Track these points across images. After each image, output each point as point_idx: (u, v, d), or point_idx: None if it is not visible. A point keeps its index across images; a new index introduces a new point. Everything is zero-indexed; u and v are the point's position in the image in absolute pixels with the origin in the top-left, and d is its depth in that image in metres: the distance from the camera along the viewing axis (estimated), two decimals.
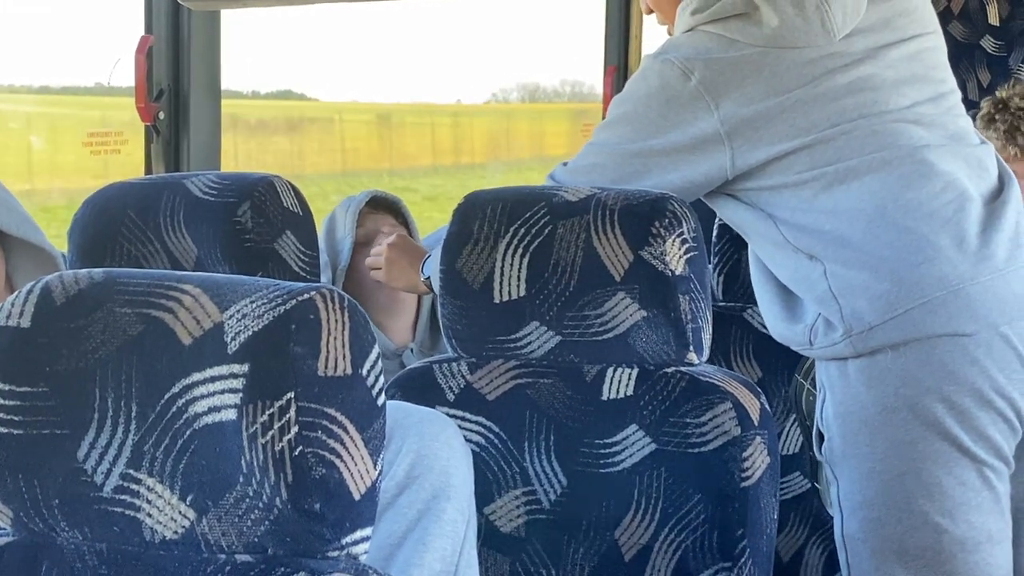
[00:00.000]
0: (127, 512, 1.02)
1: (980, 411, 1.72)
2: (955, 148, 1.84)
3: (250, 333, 0.99)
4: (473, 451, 1.62)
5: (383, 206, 2.33)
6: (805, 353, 1.87)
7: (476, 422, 1.66)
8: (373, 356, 1.03)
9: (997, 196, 1.83)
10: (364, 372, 1.02)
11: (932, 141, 1.83)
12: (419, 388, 1.67)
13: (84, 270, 1.07)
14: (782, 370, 2.31)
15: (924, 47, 1.91)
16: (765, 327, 2.38)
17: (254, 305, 1.00)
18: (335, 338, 1.00)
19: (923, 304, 1.73)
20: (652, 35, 3.34)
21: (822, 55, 1.82)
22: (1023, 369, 1.74)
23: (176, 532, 1.02)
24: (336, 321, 1.01)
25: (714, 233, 2.36)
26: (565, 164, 1.91)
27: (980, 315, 1.73)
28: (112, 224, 1.71)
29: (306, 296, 1.01)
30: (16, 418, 1.02)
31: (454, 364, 1.69)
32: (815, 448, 1.87)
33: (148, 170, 2.20)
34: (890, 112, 1.82)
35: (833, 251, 1.79)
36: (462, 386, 1.67)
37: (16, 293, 1.05)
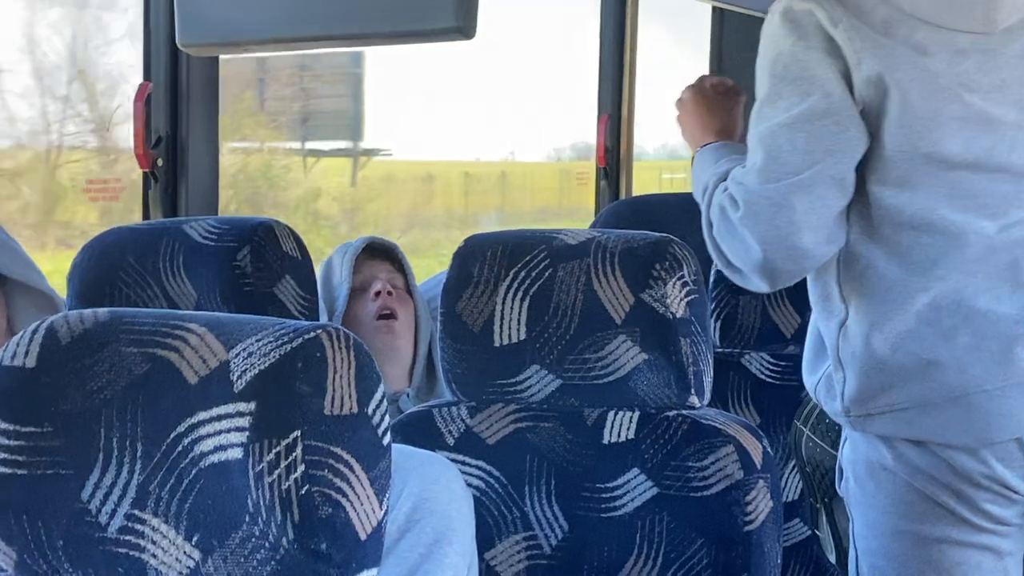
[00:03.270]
0: (132, 553, 1.01)
1: (977, 492, 1.67)
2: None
3: (256, 371, 0.99)
4: (473, 496, 1.61)
5: (379, 252, 2.34)
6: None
7: (476, 466, 1.66)
8: (379, 395, 1.03)
9: None
10: (370, 411, 1.02)
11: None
12: (419, 432, 1.67)
13: (89, 310, 1.06)
14: (780, 416, 2.31)
15: None
16: (763, 373, 2.39)
17: (260, 343, 1.00)
18: (341, 377, 1.00)
19: (922, 407, 1.65)
20: (645, 83, 3.37)
21: (968, 48, 1.64)
22: None
23: (181, 573, 1.01)
24: (342, 360, 1.00)
25: (711, 279, 2.37)
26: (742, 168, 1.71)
27: (976, 429, 1.63)
28: (111, 269, 1.71)
29: (312, 335, 1.00)
30: (21, 458, 1.01)
31: (454, 408, 1.68)
32: (836, 482, 1.85)
33: (146, 217, 2.20)
34: (985, 173, 1.64)
35: (856, 306, 1.70)
36: (462, 430, 1.67)
37: (21, 333, 1.05)
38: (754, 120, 1.70)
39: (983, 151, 1.66)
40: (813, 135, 1.64)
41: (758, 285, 1.73)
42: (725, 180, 1.74)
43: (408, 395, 2.28)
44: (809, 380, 1.81)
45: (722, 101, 1.96)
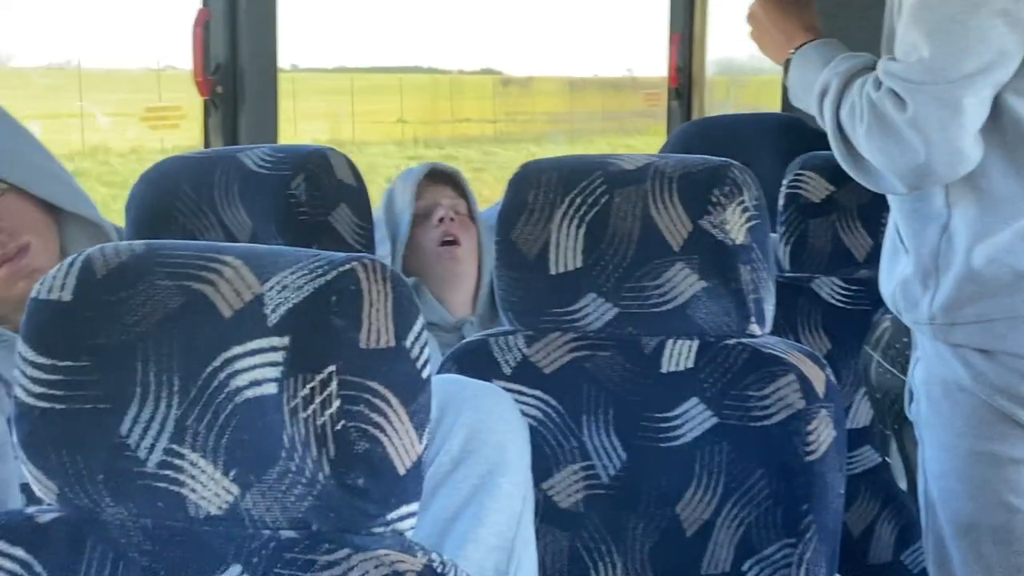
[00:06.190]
0: (171, 487, 1.00)
1: None
2: None
3: (290, 305, 0.97)
4: (530, 425, 1.59)
5: (442, 178, 2.31)
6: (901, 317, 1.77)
7: (533, 396, 1.64)
8: (418, 327, 1.01)
9: None
10: (408, 344, 1.00)
11: None
12: (475, 362, 1.65)
13: (125, 242, 1.05)
14: (852, 341, 2.26)
15: None
16: (834, 298, 2.34)
17: (294, 276, 0.98)
18: (377, 310, 0.98)
19: (1012, 319, 1.63)
20: (718, 2, 3.29)
21: None
22: None
23: (220, 508, 1.00)
24: (378, 292, 0.98)
25: (780, 203, 2.31)
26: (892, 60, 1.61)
27: None
28: (167, 198, 1.71)
29: (347, 267, 0.98)
30: (58, 393, 1.01)
31: (510, 337, 1.66)
32: (906, 405, 1.81)
33: (207, 144, 2.20)
34: None
35: (961, 213, 1.65)
36: (519, 359, 1.65)
37: (57, 266, 1.04)
38: (917, 8, 1.59)
39: None
40: (988, 35, 1.56)
41: (893, 188, 1.65)
42: (858, 77, 1.65)
43: (472, 323, 2.27)
44: (885, 288, 1.77)
45: (795, 2, 1.88)
